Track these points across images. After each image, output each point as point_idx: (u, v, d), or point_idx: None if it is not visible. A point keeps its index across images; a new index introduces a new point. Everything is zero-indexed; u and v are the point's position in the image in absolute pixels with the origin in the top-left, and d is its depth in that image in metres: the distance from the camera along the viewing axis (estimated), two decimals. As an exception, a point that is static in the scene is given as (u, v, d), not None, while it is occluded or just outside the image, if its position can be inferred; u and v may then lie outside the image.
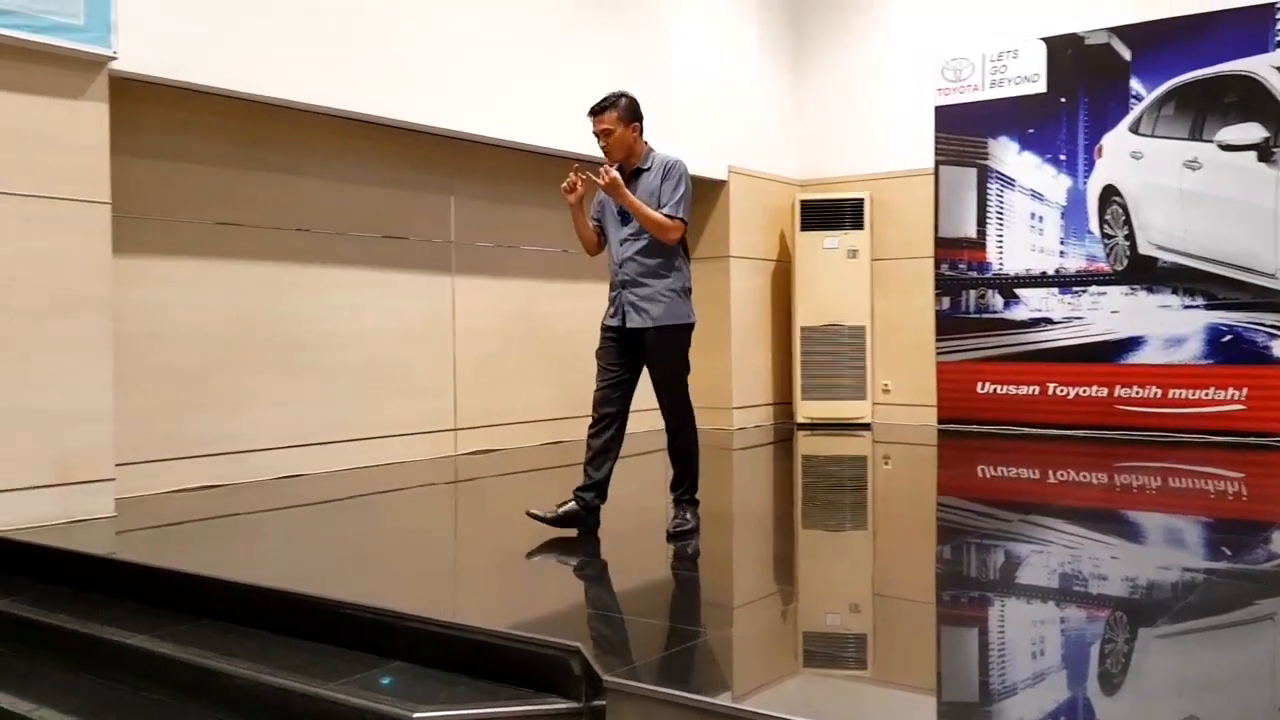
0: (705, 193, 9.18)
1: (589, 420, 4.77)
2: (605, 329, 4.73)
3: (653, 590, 4.22)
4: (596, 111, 4.63)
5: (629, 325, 4.62)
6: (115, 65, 5.10)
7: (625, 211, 4.55)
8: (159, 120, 5.73)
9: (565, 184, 4.61)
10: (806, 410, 9.38)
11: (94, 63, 5.04)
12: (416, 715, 2.93)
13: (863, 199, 9.32)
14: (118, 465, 5.18)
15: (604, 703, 2.79)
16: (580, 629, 3.44)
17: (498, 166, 7.67)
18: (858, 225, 9.30)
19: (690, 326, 4.72)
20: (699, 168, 8.87)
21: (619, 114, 4.59)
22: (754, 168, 9.37)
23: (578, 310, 8.44)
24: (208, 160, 6.00)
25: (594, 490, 4.73)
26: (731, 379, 9.15)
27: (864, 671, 3.31)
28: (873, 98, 9.57)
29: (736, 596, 4.16)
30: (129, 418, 5.37)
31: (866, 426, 9.27)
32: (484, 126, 7.06)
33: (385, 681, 3.19)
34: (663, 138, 8.41)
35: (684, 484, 4.75)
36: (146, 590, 4.16)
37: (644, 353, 4.66)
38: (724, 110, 9.09)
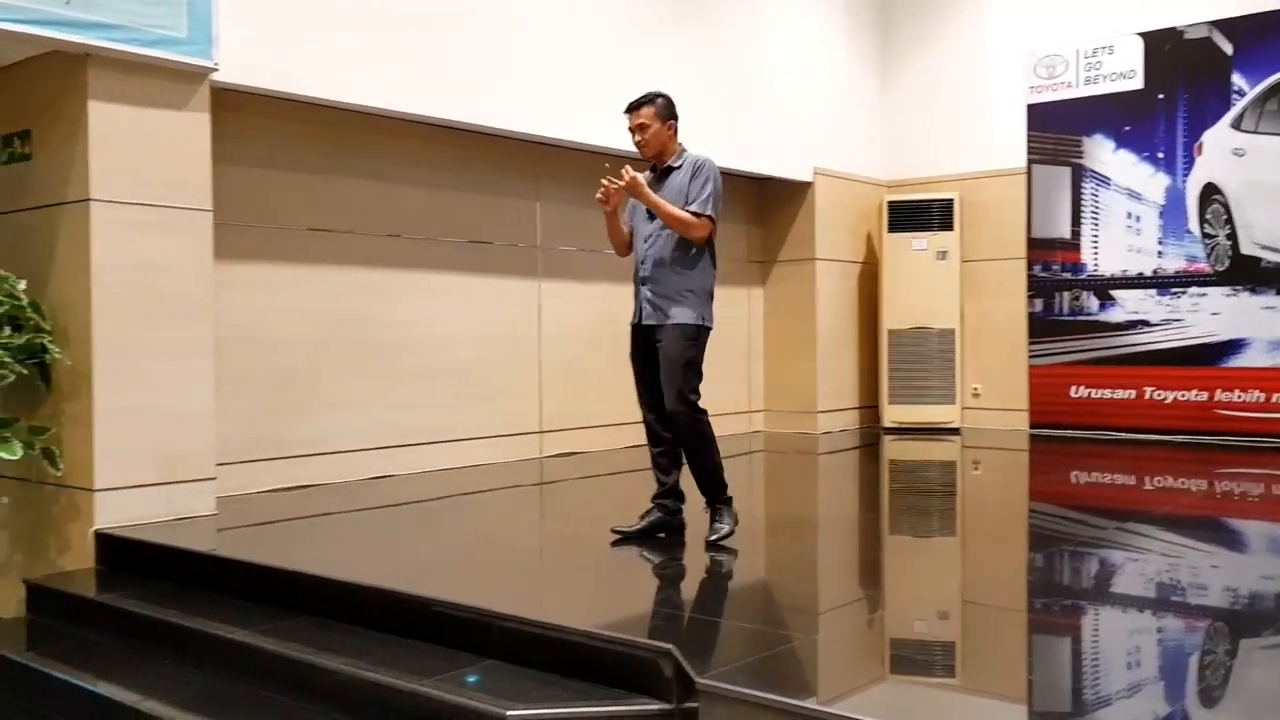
0: (791, 194, 9.14)
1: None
2: (632, 328, 4.70)
3: (738, 594, 4.22)
4: (633, 108, 4.60)
5: (644, 322, 4.59)
6: (216, 76, 5.26)
7: (626, 168, 4.51)
8: (255, 129, 5.89)
9: (599, 195, 4.54)
10: (893, 414, 9.27)
11: (197, 74, 5.20)
12: (510, 713, 2.98)
13: (952, 199, 9.19)
14: (218, 465, 5.34)
15: (696, 705, 2.79)
16: (668, 631, 3.45)
17: (583, 171, 7.72)
18: (947, 226, 9.17)
19: (704, 330, 4.57)
20: (784, 169, 8.86)
21: (655, 110, 4.56)
22: (840, 168, 9.29)
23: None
24: (301, 168, 6.15)
25: (669, 495, 4.71)
26: (817, 382, 9.08)
27: (952, 679, 3.27)
28: (962, 96, 9.43)
29: (822, 602, 4.14)
30: (227, 419, 5.53)
31: (955, 431, 9.13)
32: (569, 131, 7.12)
33: (471, 680, 3.24)
34: (748, 140, 8.45)
35: (710, 488, 4.61)
36: (248, 586, 4.29)
37: (656, 349, 4.55)
38: (810, 111, 9.04)
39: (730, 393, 9.11)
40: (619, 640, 3.18)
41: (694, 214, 4.48)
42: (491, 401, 7.09)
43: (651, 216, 4.58)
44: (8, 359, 4.75)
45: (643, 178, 4.55)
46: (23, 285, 4.89)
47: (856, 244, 9.55)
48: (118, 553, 4.83)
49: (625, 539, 4.63)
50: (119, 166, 4.96)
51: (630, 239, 4.76)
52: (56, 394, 5.02)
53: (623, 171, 4.43)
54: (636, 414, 7.98)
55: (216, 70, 5.24)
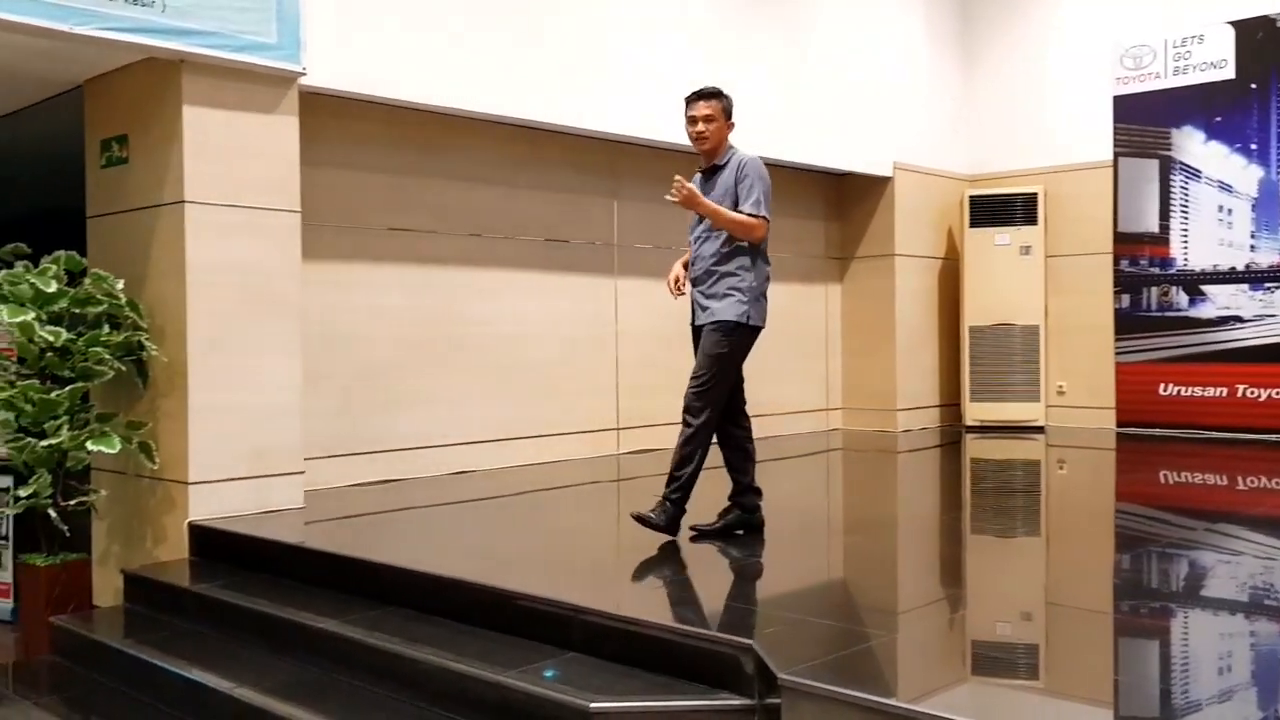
0: (870, 189, 9.06)
1: None
2: (691, 330, 4.71)
3: (818, 592, 4.20)
4: (702, 96, 4.52)
5: (695, 322, 4.60)
6: (304, 80, 5.39)
7: (679, 178, 4.43)
8: (340, 132, 6.02)
9: (671, 194, 4.46)
10: (975, 412, 9.14)
11: (286, 79, 5.33)
12: (593, 706, 3.01)
13: (1036, 193, 9.03)
14: (305, 459, 5.47)
15: (779, 700, 2.80)
16: (747, 627, 3.45)
17: (661, 168, 7.73)
18: (1030, 221, 9.01)
19: (745, 329, 4.47)
20: (863, 164, 8.78)
21: (722, 106, 4.53)
22: (921, 163, 9.19)
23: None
24: (385, 169, 6.27)
25: (746, 492, 4.70)
26: (896, 380, 9.00)
27: (1036, 681, 3.22)
28: (1046, 88, 9.26)
29: (902, 601, 4.11)
30: (314, 414, 5.66)
31: (1039, 429, 8.97)
32: (647, 129, 7.14)
33: (548, 675, 3.27)
34: (827, 135, 8.40)
35: (671, 480, 4.50)
36: (336, 577, 4.39)
37: (698, 348, 4.57)
38: (889, 105, 8.95)
39: (807, 391, 9.06)
40: (700, 635, 3.20)
41: (750, 215, 4.44)
42: (570, 398, 7.15)
43: (701, 219, 4.57)
44: (107, 356, 4.93)
45: (698, 182, 4.57)
46: (121, 285, 5.07)
47: (937, 239, 9.43)
48: (210, 544, 4.98)
49: (702, 536, 4.63)
50: (212, 169, 5.11)
51: None
52: (153, 390, 5.19)
53: (676, 186, 4.37)
54: (714, 411, 8.08)
55: (304, 75, 5.37)
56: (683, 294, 4.64)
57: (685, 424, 4.48)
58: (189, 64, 5.03)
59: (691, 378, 4.49)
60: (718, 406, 4.50)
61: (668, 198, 4.43)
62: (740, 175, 4.47)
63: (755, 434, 4.76)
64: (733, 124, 4.60)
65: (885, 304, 9.02)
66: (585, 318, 7.32)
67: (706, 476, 4.56)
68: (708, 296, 4.52)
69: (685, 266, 4.67)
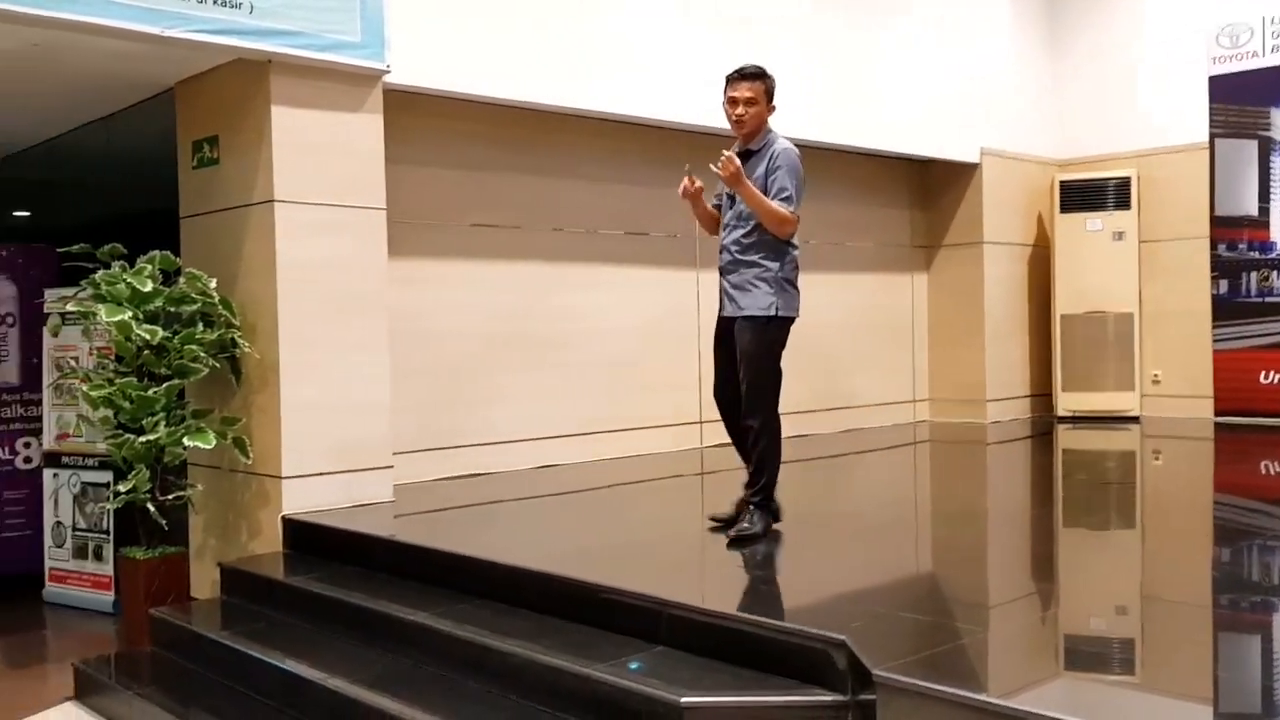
0: (955, 176, 8.88)
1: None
2: (717, 319, 4.54)
3: (907, 586, 4.12)
4: (744, 76, 4.33)
5: (723, 314, 4.43)
6: (388, 78, 5.44)
7: (734, 195, 4.31)
8: (422, 129, 6.05)
9: (680, 189, 4.42)
10: (1067, 402, 8.91)
11: (370, 77, 5.39)
12: (685, 700, 2.99)
13: (1129, 177, 8.77)
14: (394, 454, 5.53)
15: (873, 697, 2.74)
16: (838, 622, 3.39)
17: (742, 159, 7.69)
18: (1123, 205, 8.75)
19: (780, 321, 4.33)
20: (949, 150, 8.61)
21: (766, 88, 4.35)
22: (1009, 148, 8.97)
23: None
24: (467, 165, 6.30)
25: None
26: (985, 371, 8.80)
27: (1132, 677, 3.12)
28: (1138, 68, 8.98)
29: (994, 596, 4.01)
30: (402, 410, 5.71)
31: (1134, 419, 8.72)
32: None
33: (634, 666, 3.25)
34: (910, 121, 8.24)
35: (755, 485, 4.42)
36: (425, 570, 4.43)
37: (732, 341, 4.38)
38: (975, 89, 8.74)
39: (893, 382, 8.92)
40: (791, 630, 3.15)
41: (784, 207, 4.26)
42: (653, 392, 7.12)
43: (734, 202, 4.39)
44: (201, 353, 5.03)
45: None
46: (214, 283, 5.17)
47: (1026, 226, 9.21)
48: (303, 537, 5.06)
49: (724, 526, 4.49)
50: (299, 168, 5.19)
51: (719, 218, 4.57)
52: (246, 386, 5.29)
53: (725, 159, 4.16)
54: (797, 404, 8.00)
55: (388, 72, 5.42)
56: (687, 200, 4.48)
57: (749, 429, 4.37)
58: (276, 64, 5.11)
59: (744, 385, 4.33)
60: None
61: (713, 168, 4.23)
62: (772, 166, 4.28)
63: (840, 427, 4.66)
64: (774, 107, 4.41)
65: (973, 293, 8.82)
66: (667, 310, 7.29)
67: (801, 468, 4.50)
68: (735, 287, 4.35)
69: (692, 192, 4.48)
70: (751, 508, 4.42)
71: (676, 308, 7.36)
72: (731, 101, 4.35)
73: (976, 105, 8.75)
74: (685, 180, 4.44)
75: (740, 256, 4.34)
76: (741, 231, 4.34)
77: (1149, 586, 4.13)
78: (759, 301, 4.29)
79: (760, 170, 4.30)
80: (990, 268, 8.82)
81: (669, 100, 6.74)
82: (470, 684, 3.60)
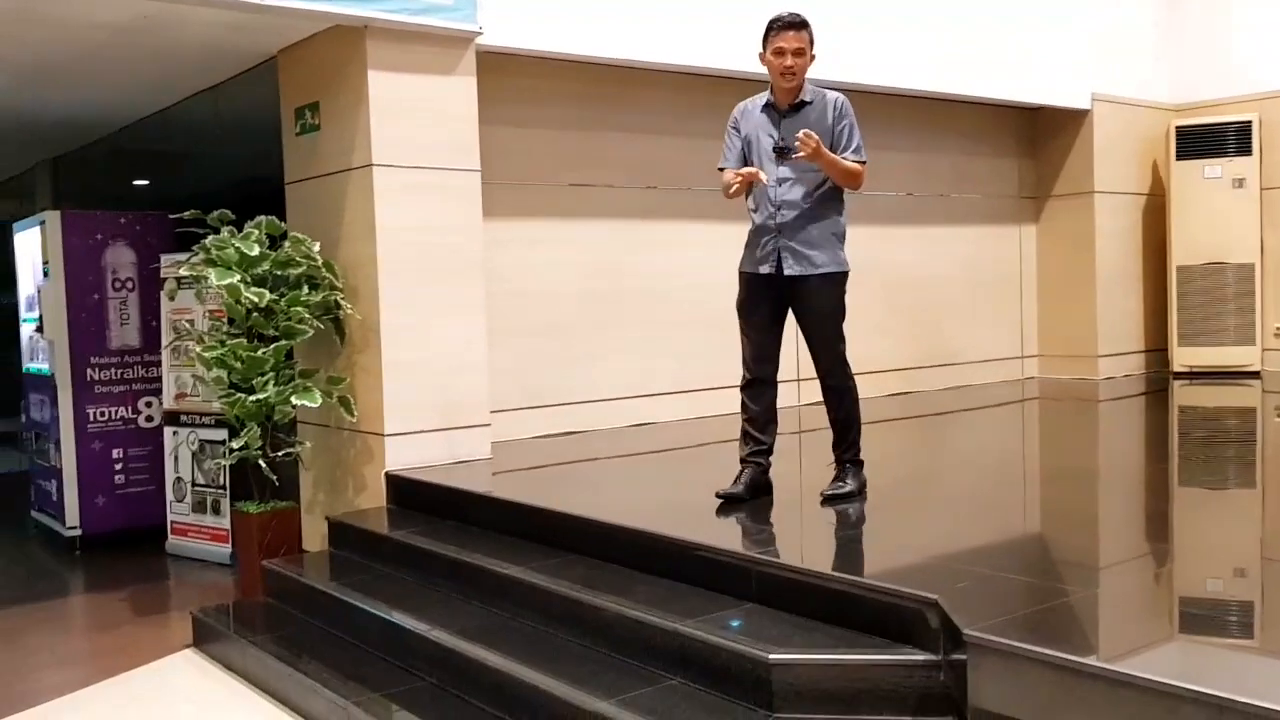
0: (1064, 124, 8.58)
1: (742, 386, 4.41)
2: (753, 278, 4.26)
3: (1011, 546, 4.04)
4: (793, 26, 4.12)
5: (786, 273, 4.16)
6: (480, 40, 5.47)
7: (782, 149, 4.12)
8: (515, 89, 6.05)
9: (732, 191, 4.19)
10: (1183, 357, 8.59)
11: (463, 39, 5.43)
12: (773, 657, 3.00)
13: (1250, 121, 8.34)
14: (492, 412, 5.62)
15: (964, 657, 2.70)
16: (937, 582, 3.34)
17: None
18: (1244, 151, 8.34)
19: (846, 275, 4.24)
20: (1058, 97, 8.30)
21: (810, 36, 4.16)
22: (1121, 93, 8.61)
23: (927, 257, 8.18)
24: (560, 124, 6.31)
25: (769, 453, 4.41)
26: (1097, 325, 8.52)
27: (1250, 640, 3.01)
28: (1260, 7, 8.50)
29: (1103, 556, 3.91)
30: (499, 369, 5.79)
31: (1255, 374, 8.36)
32: (825, 71, 6.93)
33: (734, 624, 3.26)
34: (1017, 66, 7.96)
35: (844, 444, 4.34)
36: (522, 526, 4.51)
37: (800, 302, 4.21)
38: (1086, 33, 8.40)
39: (1001, 338, 8.71)
40: (882, 589, 3.12)
41: (856, 162, 4.15)
42: (750, 349, 7.08)
43: (782, 156, 4.14)
44: (306, 315, 5.18)
45: (767, 118, 4.24)
46: (317, 247, 5.30)
47: (1140, 174, 8.85)
48: (405, 493, 5.20)
49: (731, 499, 4.31)
50: (396, 132, 5.27)
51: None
52: (350, 347, 5.43)
53: (804, 139, 3.95)
54: (900, 361, 7.88)
55: (481, 34, 5.45)
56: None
57: (841, 391, 4.27)
58: (372, 30, 5.18)
59: (825, 344, 4.21)
60: (846, 353, 4.28)
61: (797, 156, 4.04)
62: (839, 116, 4.15)
63: (945, 384, 4.53)
64: (814, 55, 4.21)
65: (1084, 245, 8.53)
66: (764, 267, 7.21)
67: (891, 427, 4.43)
68: (804, 244, 4.14)
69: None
70: (847, 466, 4.37)
71: (774, 264, 7.29)
72: (779, 53, 4.14)
73: (1087, 49, 8.41)
74: (737, 186, 4.18)
75: (811, 211, 4.16)
76: (807, 187, 4.16)
77: (1270, 548, 3.97)
78: (836, 257, 4.19)
79: (826, 121, 4.16)
80: (1102, 218, 8.51)
81: (752, 51, 6.61)
82: (563, 637, 3.67)
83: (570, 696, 3.20)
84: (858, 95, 7.38)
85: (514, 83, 6.01)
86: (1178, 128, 8.53)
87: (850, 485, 4.32)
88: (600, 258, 6.46)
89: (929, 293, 8.18)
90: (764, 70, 5.82)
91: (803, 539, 4.19)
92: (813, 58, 4.20)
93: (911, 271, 8.04)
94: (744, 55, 6.51)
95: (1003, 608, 3.08)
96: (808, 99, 4.21)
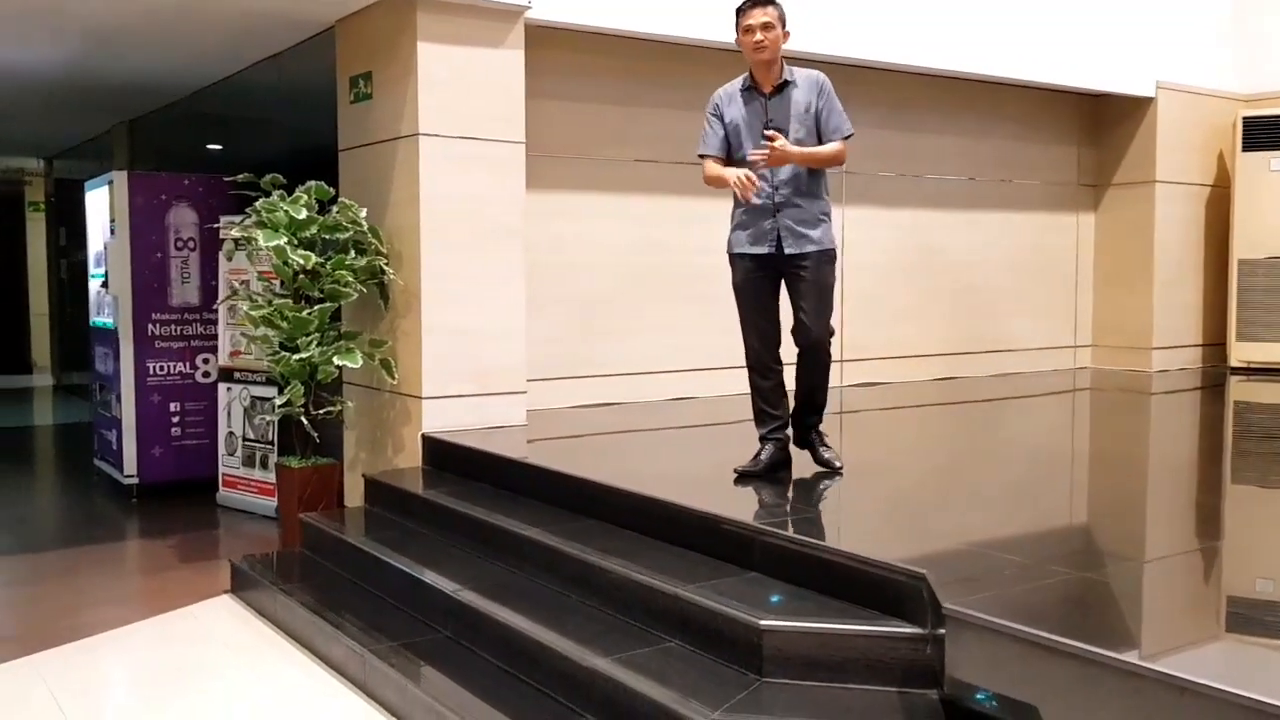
0: (1128, 112, 8.43)
1: (750, 368, 4.44)
2: (750, 259, 4.28)
3: (1051, 537, 3.94)
4: (757, 3, 4.15)
5: (787, 251, 4.20)
6: (530, 14, 5.56)
7: (776, 130, 4.08)
8: (560, 63, 6.12)
9: (745, 195, 4.10)
10: (1242, 353, 8.42)
11: (513, 13, 5.53)
12: (763, 623, 3.07)
13: (1322, 113, 8.13)
14: (528, 380, 5.74)
15: (944, 631, 2.76)
16: (939, 560, 3.35)
17: (892, 93, 7.50)
18: (1314, 143, 8.14)
19: (836, 252, 4.32)
20: (1121, 84, 8.16)
21: (779, 13, 4.17)
22: (1187, 82, 8.43)
23: (982, 241, 8.11)
24: (604, 99, 6.37)
25: (785, 426, 4.45)
26: (1153, 316, 8.39)
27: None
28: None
29: (1149, 549, 3.84)
30: (537, 339, 5.91)
31: (1316, 373, 8.17)
32: (876, 51, 6.92)
33: (775, 600, 3.30)
34: (1079, 52, 7.84)
35: (819, 412, 4.45)
36: (545, 489, 4.63)
37: (798, 278, 4.23)
38: (1150, 18, 8.24)
39: (1053, 327, 8.62)
40: (874, 563, 3.18)
41: (843, 139, 4.22)
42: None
43: (767, 138, 4.09)
44: (350, 279, 5.34)
45: (749, 109, 4.25)
46: (364, 213, 5.45)
47: (1204, 164, 8.66)
48: (440, 454, 5.35)
49: (748, 475, 4.37)
50: (443, 103, 5.39)
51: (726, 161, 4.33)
52: (393, 311, 5.59)
53: (769, 145, 4.02)
54: (943, 345, 7.85)
55: (530, 8, 5.54)
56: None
57: (820, 361, 4.35)
58: (423, 2, 5.30)
59: (818, 315, 4.25)
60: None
61: (753, 155, 4.08)
62: (823, 94, 4.21)
63: (991, 370, 4.48)
64: (788, 33, 4.23)
65: (1144, 234, 8.40)
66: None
67: (936, 411, 4.42)
68: (801, 223, 4.19)
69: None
70: (824, 435, 4.49)
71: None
72: (747, 30, 4.18)
73: (1152, 36, 8.25)
74: (750, 189, 4.13)
75: (804, 190, 4.21)
76: (799, 169, 4.20)
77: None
78: (828, 234, 4.26)
79: (811, 99, 4.20)
80: (1163, 208, 8.37)
81: (810, 30, 6.60)
82: (574, 597, 3.78)
83: (570, 652, 3.31)
84: (908, 78, 7.40)
85: (560, 56, 6.09)
86: (1245, 118, 8.33)
87: (836, 461, 4.45)
88: (641, 232, 6.53)
89: (981, 278, 8.12)
90: (810, 47, 5.78)
91: (840, 518, 4.18)
92: (786, 34, 4.23)
93: (962, 256, 8.00)
94: (803, 37, 6.55)
95: (1032, 599, 3.02)
96: (789, 79, 4.24)
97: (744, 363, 4.47)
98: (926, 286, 7.81)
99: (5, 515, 6.58)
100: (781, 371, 4.42)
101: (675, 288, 6.63)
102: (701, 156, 4.38)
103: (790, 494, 4.33)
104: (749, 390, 4.47)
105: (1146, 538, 4.02)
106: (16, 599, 5.03)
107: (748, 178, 4.07)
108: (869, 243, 7.45)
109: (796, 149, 4.09)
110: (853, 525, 4.10)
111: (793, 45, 4.24)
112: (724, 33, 6.24)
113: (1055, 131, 8.50)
